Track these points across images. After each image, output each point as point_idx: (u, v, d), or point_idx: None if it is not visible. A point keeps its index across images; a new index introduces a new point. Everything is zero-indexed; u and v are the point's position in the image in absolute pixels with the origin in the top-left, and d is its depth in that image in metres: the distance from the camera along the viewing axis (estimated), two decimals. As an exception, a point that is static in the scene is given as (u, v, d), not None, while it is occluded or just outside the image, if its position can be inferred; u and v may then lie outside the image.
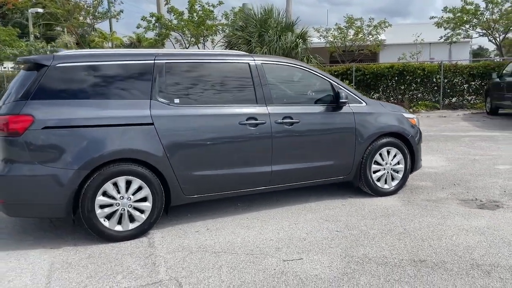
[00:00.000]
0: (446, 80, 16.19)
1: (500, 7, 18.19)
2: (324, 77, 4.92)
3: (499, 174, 6.01)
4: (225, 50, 5.41)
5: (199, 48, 18.59)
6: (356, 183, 5.06)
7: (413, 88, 16.34)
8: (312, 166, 4.70)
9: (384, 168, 5.07)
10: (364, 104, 5.02)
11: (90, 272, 3.29)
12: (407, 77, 16.07)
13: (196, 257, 3.53)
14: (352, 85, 15.40)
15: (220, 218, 4.46)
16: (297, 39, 14.95)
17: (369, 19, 21.29)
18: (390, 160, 5.10)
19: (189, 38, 18.80)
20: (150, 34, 19.71)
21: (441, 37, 20.51)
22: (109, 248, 3.73)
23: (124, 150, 3.83)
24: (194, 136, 4.12)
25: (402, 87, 16.29)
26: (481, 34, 20.13)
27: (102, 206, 3.79)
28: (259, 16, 15.01)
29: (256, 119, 4.35)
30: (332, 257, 3.48)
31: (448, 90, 16.25)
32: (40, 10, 25.48)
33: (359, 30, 20.73)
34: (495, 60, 18.29)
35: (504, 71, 13.37)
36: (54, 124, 3.64)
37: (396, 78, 16.15)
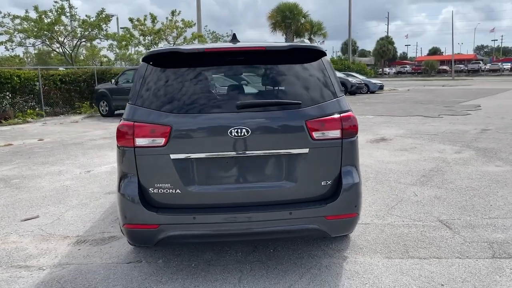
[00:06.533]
0: (46, 88, 16.88)
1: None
2: None
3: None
4: None
5: None
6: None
7: (9, 96, 15.75)
8: None
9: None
10: None
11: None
12: (5, 84, 15.43)
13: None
14: None
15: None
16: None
17: None
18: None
19: None
20: None
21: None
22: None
23: None
24: None
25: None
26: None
27: None
28: None
29: None
30: None
31: (49, 98, 17.13)
32: None
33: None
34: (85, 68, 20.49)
35: (119, 79, 15.66)
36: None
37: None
